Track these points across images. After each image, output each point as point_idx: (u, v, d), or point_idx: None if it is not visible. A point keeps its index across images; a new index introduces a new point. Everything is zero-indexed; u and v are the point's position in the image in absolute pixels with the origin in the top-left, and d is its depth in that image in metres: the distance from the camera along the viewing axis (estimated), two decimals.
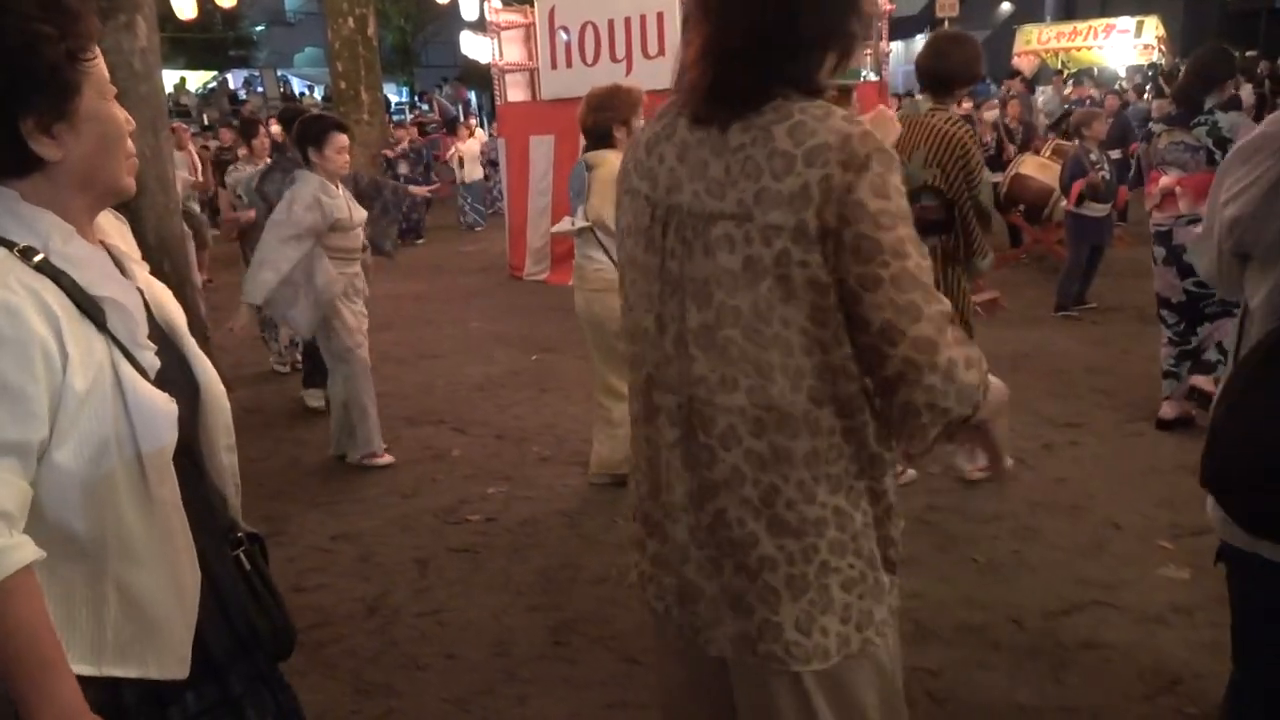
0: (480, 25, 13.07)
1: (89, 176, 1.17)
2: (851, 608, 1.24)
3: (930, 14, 18.91)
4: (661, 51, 8.15)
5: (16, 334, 1.05)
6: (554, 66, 8.85)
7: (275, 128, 12.03)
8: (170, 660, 1.20)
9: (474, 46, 17.20)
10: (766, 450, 1.19)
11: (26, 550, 1.04)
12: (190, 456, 1.26)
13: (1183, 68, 4.33)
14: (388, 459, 4.37)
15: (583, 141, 7.23)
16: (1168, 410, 4.29)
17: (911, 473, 3.82)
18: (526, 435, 4.71)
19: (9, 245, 1.11)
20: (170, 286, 4.90)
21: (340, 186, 4.22)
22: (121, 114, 1.19)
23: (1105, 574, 3.02)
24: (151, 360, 1.19)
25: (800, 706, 1.27)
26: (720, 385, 1.20)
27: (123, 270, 1.26)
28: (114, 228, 1.30)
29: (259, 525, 3.70)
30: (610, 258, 3.64)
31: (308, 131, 4.18)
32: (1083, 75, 19.51)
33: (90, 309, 1.13)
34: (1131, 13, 20.08)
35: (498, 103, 9.83)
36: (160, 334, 1.25)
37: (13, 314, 1.05)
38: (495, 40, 9.35)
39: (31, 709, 1.05)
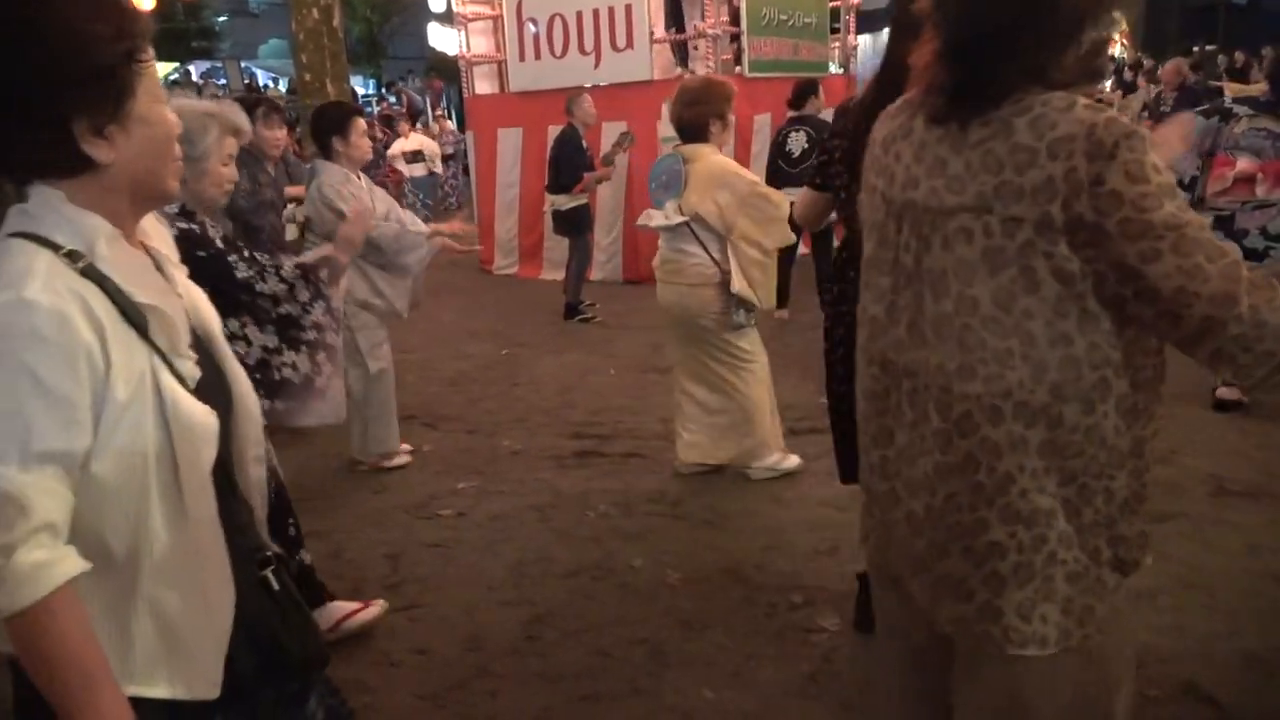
0: (447, 17, 12.98)
1: (138, 179, 1.14)
2: (1074, 602, 1.24)
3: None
4: (630, 44, 8.14)
5: (64, 341, 1.03)
6: (522, 59, 8.81)
7: None
8: (200, 681, 1.17)
9: (441, 38, 17.09)
10: (1003, 439, 1.20)
11: (72, 563, 1.03)
12: (223, 469, 1.23)
13: (1266, 58, 4.32)
14: (404, 459, 4.29)
15: (548, 129, 7.25)
16: (1227, 393, 4.27)
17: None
18: (498, 430, 4.69)
19: (54, 248, 1.08)
20: None
21: (362, 176, 4.07)
22: (172, 117, 1.17)
23: None
24: (192, 370, 1.16)
25: (1012, 691, 1.28)
26: (958, 373, 1.21)
27: (163, 275, 1.23)
28: (155, 230, 1.28)
29: None
30: (709, 253, 3.61)
31: (328, 119, 4.00)
32: None
33: (133, 316, 1.10)
34: None
35: (465, 95, 9.76)
36: (197, 341, 1.23)
37: (62, 320, 1.03)
38: (463, 32, 9.28)
39: None
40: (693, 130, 3.65)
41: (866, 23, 12.36)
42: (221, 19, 28.89)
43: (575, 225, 7.14)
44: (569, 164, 6.98)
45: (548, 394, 5.25)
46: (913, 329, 1.26)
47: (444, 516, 3.73)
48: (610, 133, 7.66)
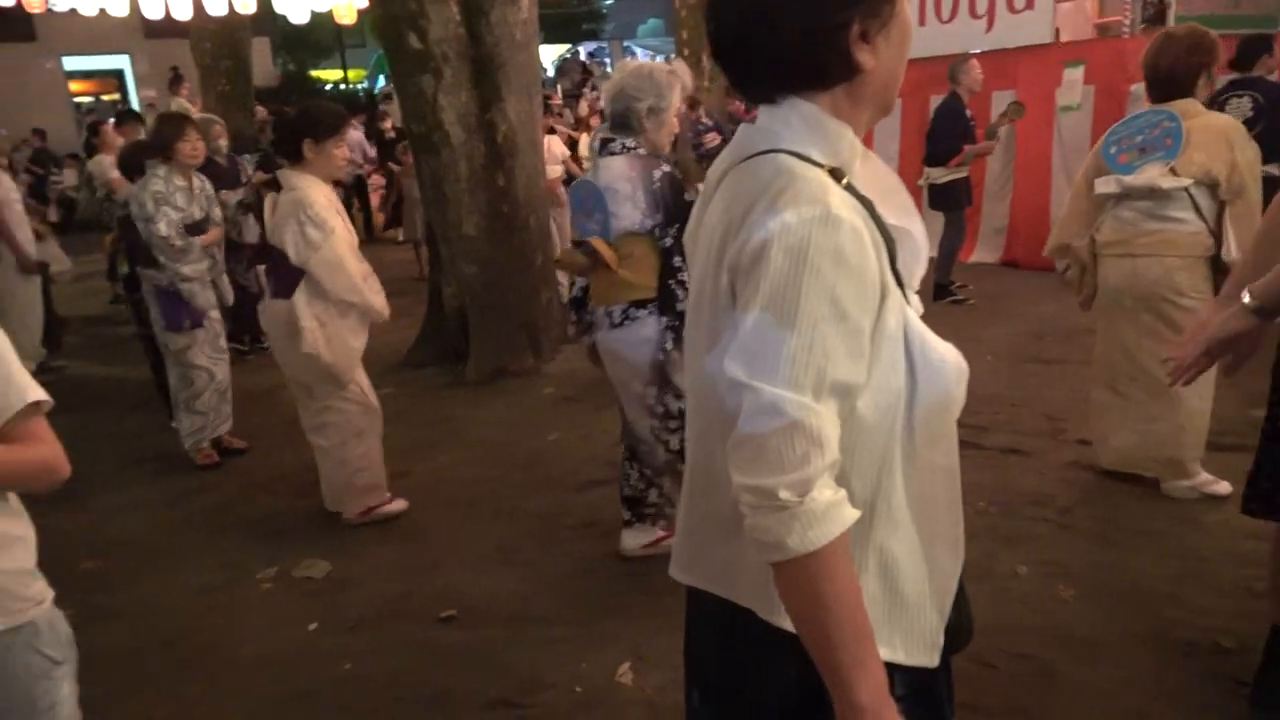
0: None
1: (883, 90, 1.03)
2: None
3: None
4: (1030, 5, 7.46)
5: (861, 262, 0.93)
6: None
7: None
8: (919, 646, 1.06)
9: None
10: None
11: (851, 508, 0.93)
12: None
13: None
14: None
15: (930, 98, 6.83)
16: None
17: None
18: None
19: (814, 165, 0.98)
20: (532, 242, 5.30)
21: None
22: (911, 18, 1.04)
23: None
24: (918, 305, 1.04)
25: None
26: None
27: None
28: None
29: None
30: (1206, 221, 3.21)
31: None
32: None
33: (887, 241, 0.98)
34: None
35: None
36: None
37: (858, 240, 0.93)
38: None
39: (846, 681, 0.94)
40: (1181, 82, 3.21)
41: None
42: (608, 2, 30.98)
43: (951, 200, 6.70)
44: (946, 135, 6.55)
45: None
46: None
47: None
48: (999, 103, 7.09)
